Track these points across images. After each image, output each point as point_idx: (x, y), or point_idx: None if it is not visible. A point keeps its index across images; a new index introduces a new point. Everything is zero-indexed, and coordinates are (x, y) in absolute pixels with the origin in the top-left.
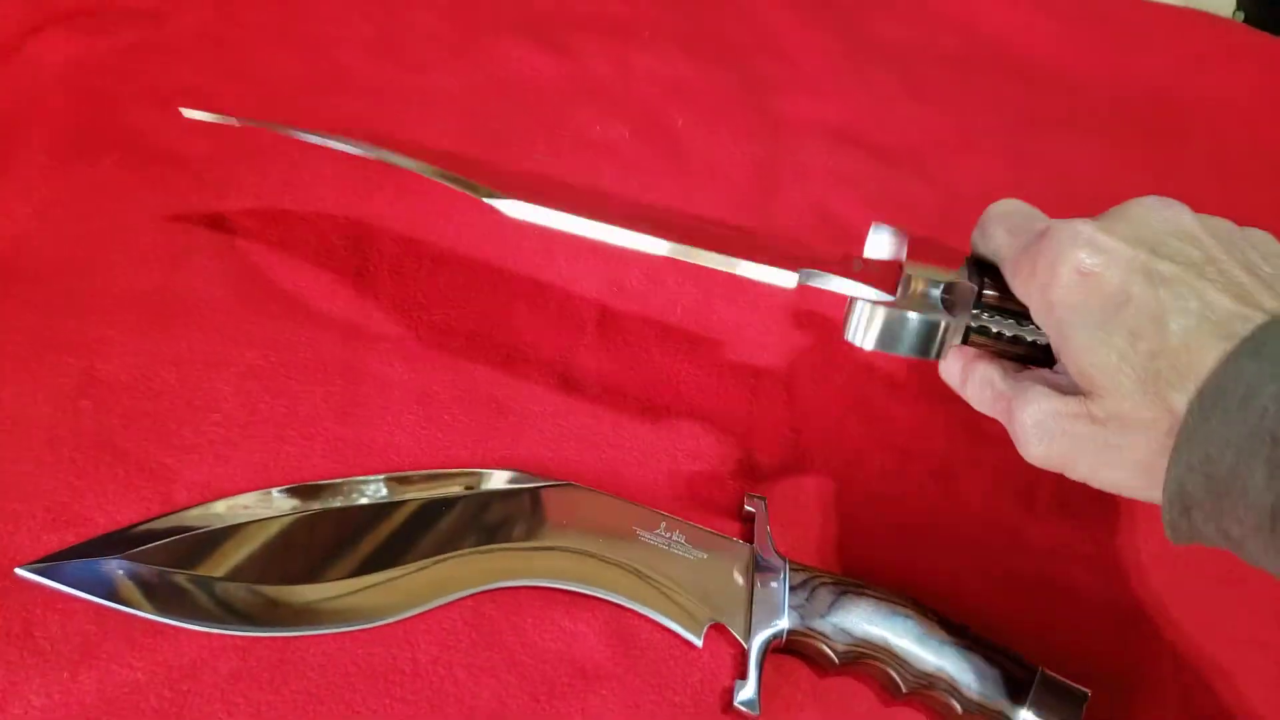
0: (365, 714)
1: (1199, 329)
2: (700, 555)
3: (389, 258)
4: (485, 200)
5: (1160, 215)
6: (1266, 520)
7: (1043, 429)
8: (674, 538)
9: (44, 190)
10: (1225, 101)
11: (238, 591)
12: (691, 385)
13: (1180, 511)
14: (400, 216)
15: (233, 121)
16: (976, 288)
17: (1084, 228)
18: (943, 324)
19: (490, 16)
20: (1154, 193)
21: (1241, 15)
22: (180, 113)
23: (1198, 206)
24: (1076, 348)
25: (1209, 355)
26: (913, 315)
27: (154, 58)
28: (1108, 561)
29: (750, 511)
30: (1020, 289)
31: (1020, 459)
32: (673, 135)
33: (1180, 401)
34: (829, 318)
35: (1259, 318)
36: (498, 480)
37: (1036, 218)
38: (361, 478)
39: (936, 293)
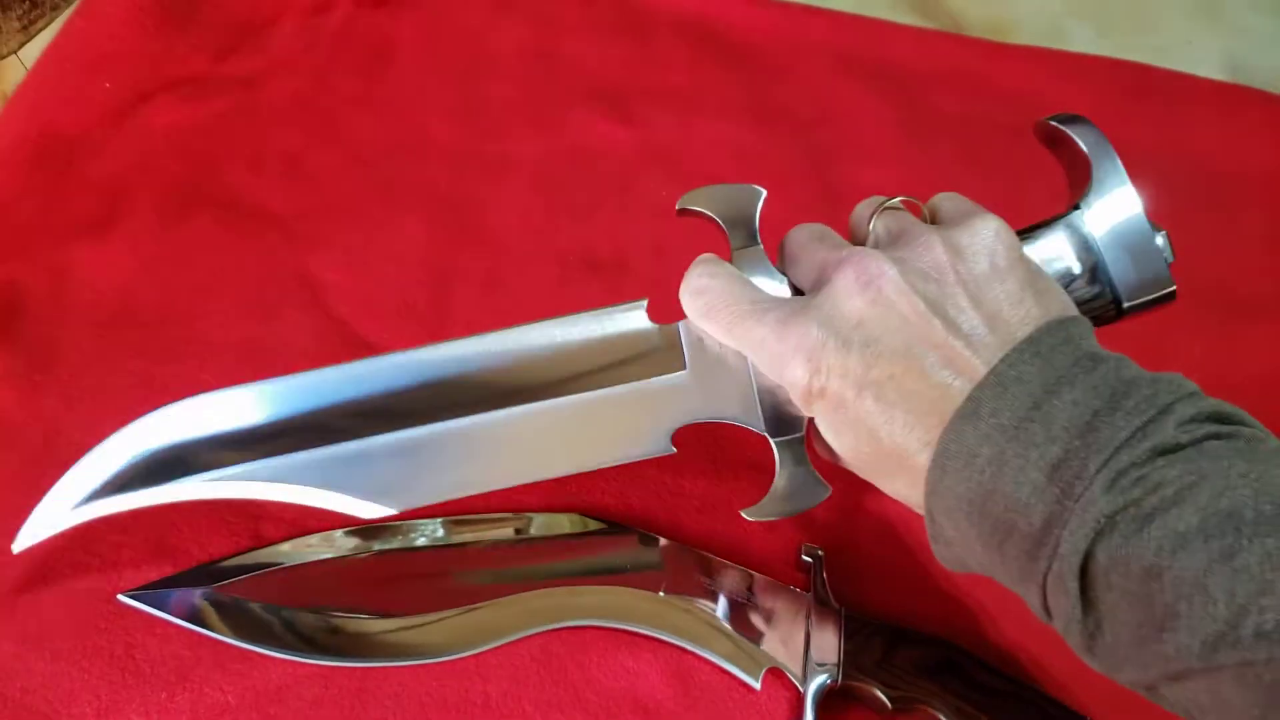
0: None
1: (906, 435)
2: (759, 601)
3: (467, 308)
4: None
5: (862, 300)
6: (997, 557)
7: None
8: (733, 584)
9: (150, 245)
10: (1276, 176)
11: (317, 625)
12: (750, 438)
13: (943, 544)
14: (477, 271)
15: None
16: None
17: (806, 336)
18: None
19: (563, 88)
20: (1206, 262)
21: None
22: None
23: (1246, 277)
24: (824, 436)
25: (918, 457)
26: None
27: (250, 122)
28: None
29: (807, 562)
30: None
31: None
32: None
33: (902, 489)
34: None
35: (965, 388)
36: (565, 524)
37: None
38: (421, 520)
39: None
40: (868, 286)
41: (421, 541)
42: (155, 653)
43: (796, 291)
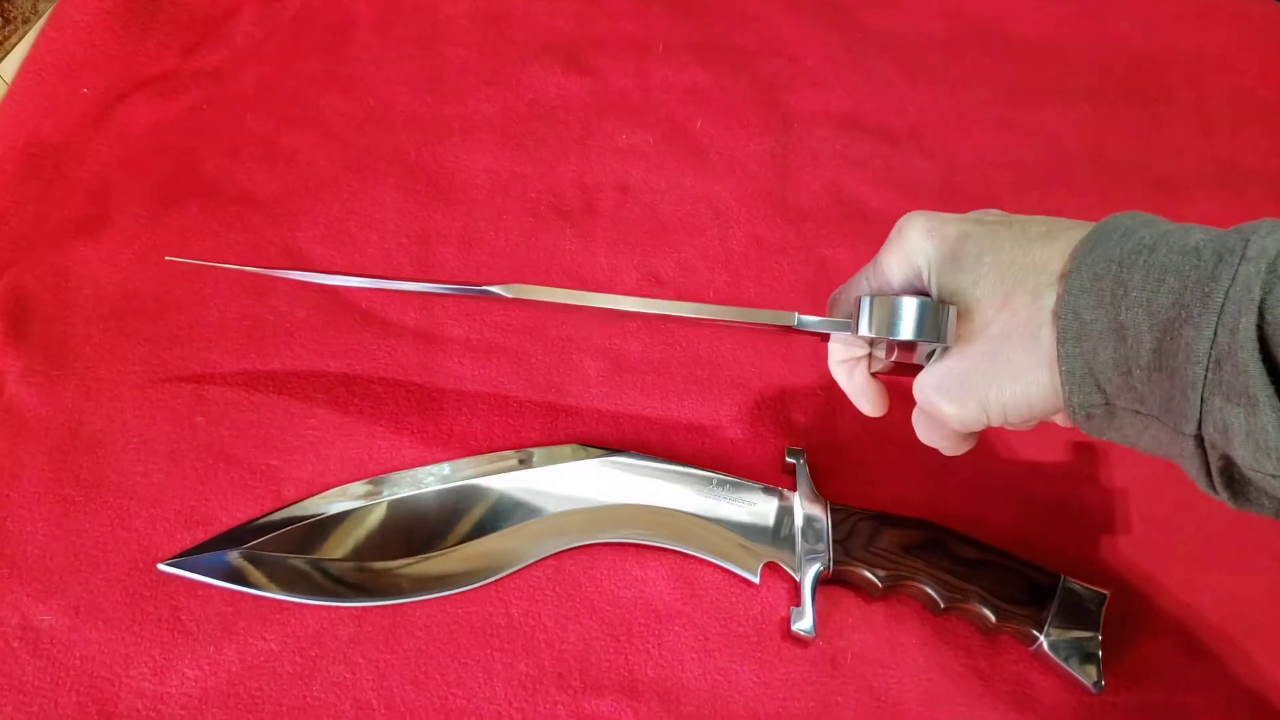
0: (470, 664)
1: (1027, 242)
2: (750, 504)
3: (449, 266)
4: (488, 291)
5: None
6: (1145, 328)
7: (941, 388)
8: (725, 491)
9: (143, 238)
10: (1202, 57)
11: (348, 568)
12: (729, 359)
13: (1074, 340)
14: (453, 229)
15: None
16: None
17: (915, 217)
18: (949, 309)
19: (517, 45)
20: (1139, 149)
21: None
22: (247, 164)
23: (1183, 156)
24: (941, 282)
25: (1043, 253)
26: (912, 301)
27: (223, 112)
28: (1118, 483)
29: (791, 463)
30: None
31: None
32: (692, 136)
33: (1026, 294)
34: None
35: (1076, 233)
36: (565, 454)
37: None
38: (428, 465)
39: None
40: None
41: (431, 483)
42: (199, 612)
43: None
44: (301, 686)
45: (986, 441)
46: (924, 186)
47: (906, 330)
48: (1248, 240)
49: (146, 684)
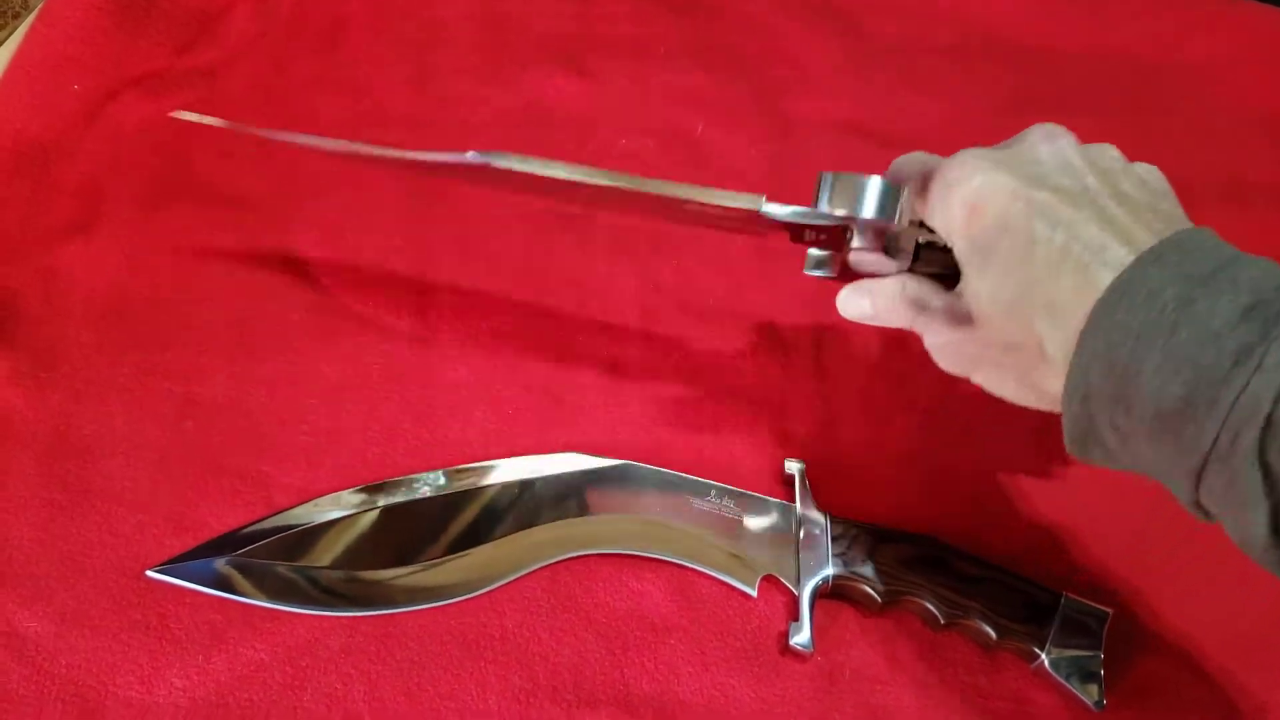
0: (463, 676)
1: (1061, 265)
2: (749, 516)
3: (446, 271)
4: (474, 160)
5: (1047, 148)
6: (1151, 411)
7: (941, 353)
8: (724, 503)
9: (133, 240)
10: (1206, 67)
11: (338, 578)
12: (728, 366)
13: (1080, 400)
14: (450, 235)
15: (222, 123)
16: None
17: (973, 159)
18: (904, 190)
19: (515, 47)
20: (1142, 158)
21: None
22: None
23: (1185, 168)
24: (965, 276)
25: (1068, 290)
26: (875, 179)
27: (215, 111)
28: (1121, 500)
29: (790, 474)
30: (925, 213)
31: (1036, 413)
32: (692, 142)
33: (1042, 328)
34: None
35: (1121, 250)
36: (561, 463)
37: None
38: (422, 473)
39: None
40: (1052, 140)
41: (426, 491)
42: (188, 620)
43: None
44: (292, 697)
45: (987, 458)
46: None
47: (869, 209)
48: (1271, 344)
49: (134, 693)
